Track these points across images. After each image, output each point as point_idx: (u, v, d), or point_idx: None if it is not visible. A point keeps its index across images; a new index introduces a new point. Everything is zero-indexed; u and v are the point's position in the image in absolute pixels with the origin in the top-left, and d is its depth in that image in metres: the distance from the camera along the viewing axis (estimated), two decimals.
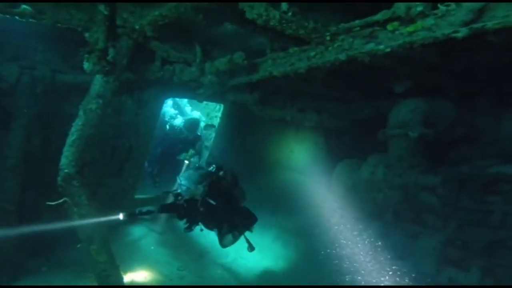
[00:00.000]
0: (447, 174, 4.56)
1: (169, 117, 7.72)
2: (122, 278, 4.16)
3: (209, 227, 3.45)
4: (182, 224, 3.50)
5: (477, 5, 2.23)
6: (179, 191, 3.27)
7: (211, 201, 3.22)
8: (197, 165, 4.57)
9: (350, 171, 5.47)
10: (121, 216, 3.12)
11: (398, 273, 4.67)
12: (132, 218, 3.22)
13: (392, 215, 4.84)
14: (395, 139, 4.96)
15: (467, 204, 4.60)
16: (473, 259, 4.18)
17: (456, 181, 4.55)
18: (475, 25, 2.29)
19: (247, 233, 3.69)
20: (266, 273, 5.74)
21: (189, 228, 3.38)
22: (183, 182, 3.23)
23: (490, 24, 2.21)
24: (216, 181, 3.41)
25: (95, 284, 4.34)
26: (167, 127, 7.49)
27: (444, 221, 4.58)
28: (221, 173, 3.51)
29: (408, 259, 4.76)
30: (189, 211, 3.27)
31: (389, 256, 4.84)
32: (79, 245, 3.58)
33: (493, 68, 4.87)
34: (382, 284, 4.69)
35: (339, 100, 6.44)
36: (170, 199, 4.18)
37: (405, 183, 4.65)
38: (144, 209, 3.25)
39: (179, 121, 7.49)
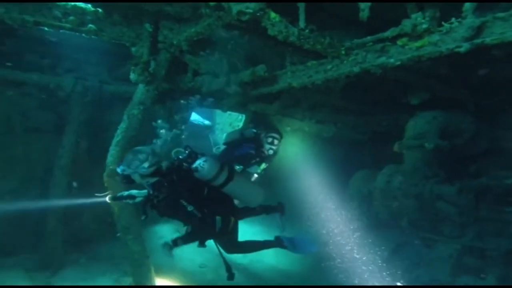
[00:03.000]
0: (463, 184, 4.65)
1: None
2: (151, 268, 4.56)
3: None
4: None
5: (476, 22, 2.50)
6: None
7: (152, 192, 3.05)
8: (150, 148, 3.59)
9: (366, 180, 5.65)
10: (107, 199, 3.42)
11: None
12: (116, 200, 3.37)
13: (407, 223, 4.94)
14: (411, 150, 5.12)
15: (485, 214, 4.64)
16: (490, 268, 4.21)
17: (472, 191, 4.63)
18: (476, 41, 2.56)
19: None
20: (281, 275, 5.92)
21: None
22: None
23: (488, 40, 2.47)
24: (167, 170, 3.07)
25: (128, 272, 4.78)
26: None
27: (461, 230, 4.63)
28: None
29: (424, 267, 4.83)
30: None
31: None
32: (118, 234, 4.02)
33: None
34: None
35: (358, 113, 6.67)
36: None
37: (420, 192, 4.77)
38: (126, 193, 3.33)
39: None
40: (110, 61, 5.17)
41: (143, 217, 3.20)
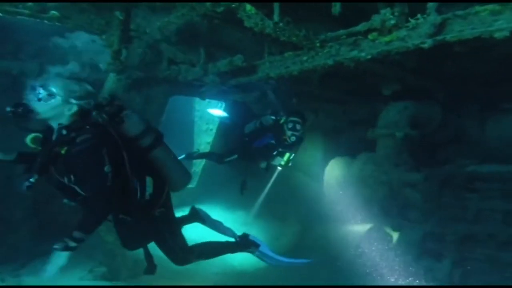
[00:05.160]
0: (429, 172, 4.92)
1: None
2: (128, 259, 4.56)
3: None
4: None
5: (438, 19, 2.61)
6: None
7: (67, 133, 2.17)
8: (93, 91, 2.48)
9: (342, 167, 5.85)
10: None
11: None
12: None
13: (378, 209, 5.20)
14: (383, 139, 5.33)
15: (448, 200, 4.97)
16: (448, 251, 4.55)
17: (437, 178, 4.92)
18: (438, 37, 2.67)
19: None
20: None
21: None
22: None
23: (448, 37, 2.59)
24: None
25: (103, 262, 4.78)
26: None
27: (425, 216, 4.94)
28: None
29: (393, 251, 5.16)
30: None
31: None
32: None
33: (480, 75, 5.24)
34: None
35: (336, 102, 6.81)
36: None
37: (390, 180, 5.01)
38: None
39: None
40: None
41: (32, 179, 2.11)
